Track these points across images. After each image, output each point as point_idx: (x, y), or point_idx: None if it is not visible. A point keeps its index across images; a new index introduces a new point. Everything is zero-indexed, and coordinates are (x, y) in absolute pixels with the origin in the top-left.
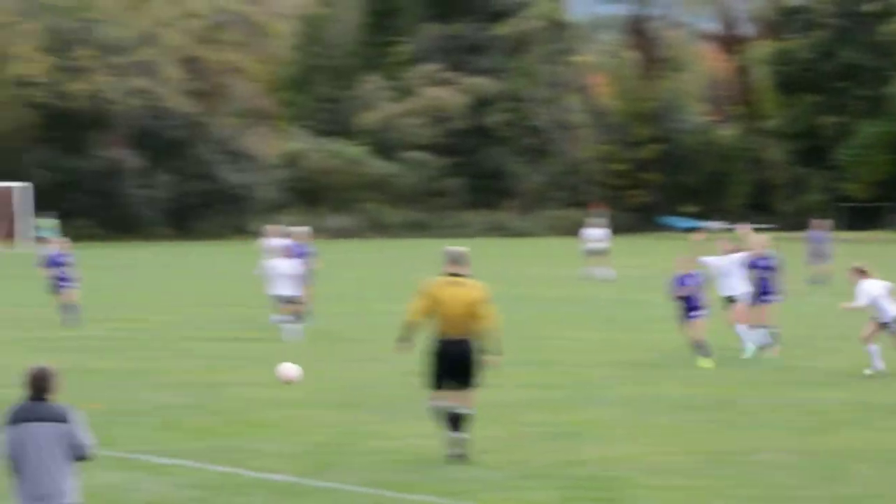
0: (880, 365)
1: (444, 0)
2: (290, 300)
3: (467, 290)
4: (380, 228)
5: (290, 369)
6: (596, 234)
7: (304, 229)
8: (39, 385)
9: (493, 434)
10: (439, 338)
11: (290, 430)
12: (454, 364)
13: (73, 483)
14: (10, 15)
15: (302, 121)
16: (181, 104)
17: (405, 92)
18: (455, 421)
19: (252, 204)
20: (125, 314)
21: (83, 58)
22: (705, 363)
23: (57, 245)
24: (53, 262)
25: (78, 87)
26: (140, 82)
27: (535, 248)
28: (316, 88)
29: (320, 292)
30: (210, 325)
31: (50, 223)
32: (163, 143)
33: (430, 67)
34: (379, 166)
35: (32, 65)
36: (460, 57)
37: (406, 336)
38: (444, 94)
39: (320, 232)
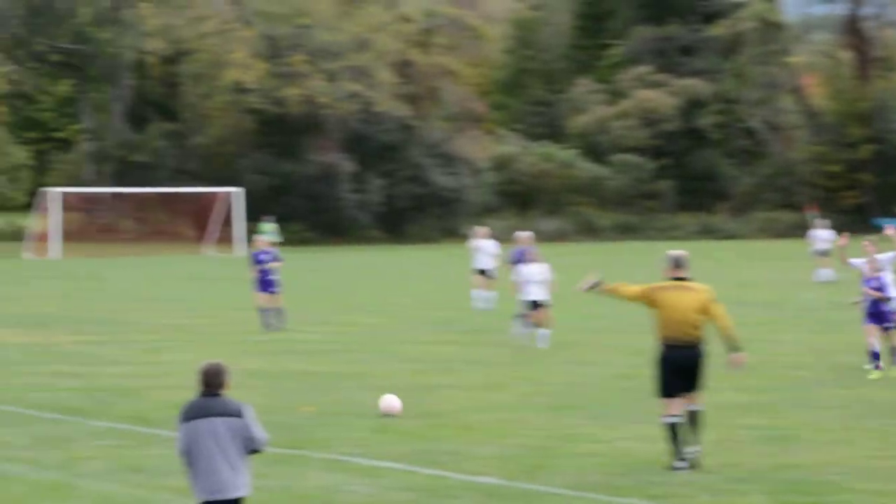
0: None
1: (657, 2)
2: (538, 305)
3: (694, 294)
4: (590, 231)
5: (392, 402)
6: (823, 235)
7: (528, 234)
8: (212, 381)
9: (706, 437)
10: (665, 343)
11: (499, 433)
12: (682, 369)
13: (246, 477)
14: (225, 22)
15: (513, 124)
16: (393, 108)
17: (616, 94)
18: (692, 420)
19: (463, 207)
20: (337, 318)
21: (297, 63)
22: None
23: (263, 244)
24: (256, 261)
25: (292, 92)
26: (353, 87)
27: (747, 251)
28: (527, 91)
29: None
30: (420, 328)
31: (271, 227)
32: (375, 146)
33: (641, 69)
34: (589, 169)
35: (248, 71)
36: (672, 59)
37: (604, 288)
38: (656, 96)
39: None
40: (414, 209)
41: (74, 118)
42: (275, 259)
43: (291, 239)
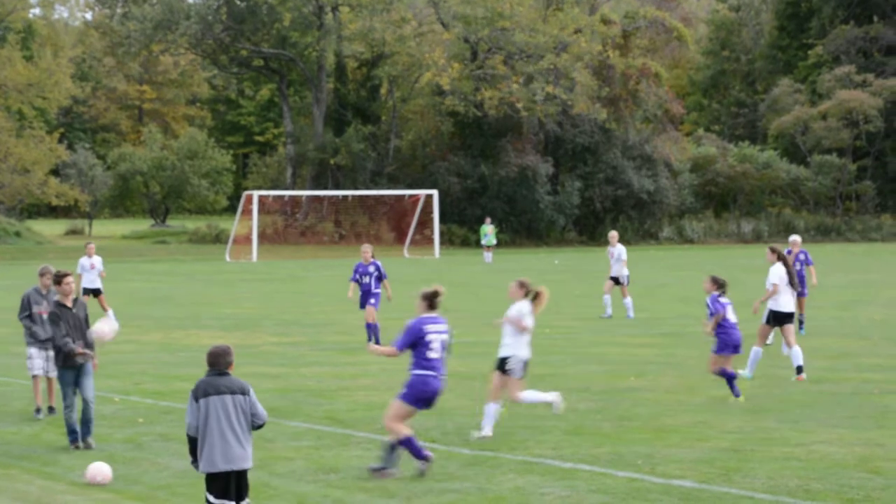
0: None
1: (860, 1)
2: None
3: None
4: (787, 232)
5: (98, 471)
6: None
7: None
8: (220, 361)
9: None
10: None
11: (695, 436)
12: None
13: (251, 449)
14: (424, 25)
15: (712, 125)
16: (591, 110)
17: (817, 95)
18: None
19: (660, 209)
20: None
21: (496, 66)
22: None
23: (367, 256)
24: (362, 272)
25: (490, 94)
26: (550, 89)
27: None
28: (726, 93)
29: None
30: (615, 330)
31: (488, 228)
32: (572, 149)
33: (843, 70)
34: (788, 170)
35: (445, 74)
36: (875, 59)
37: None
38: (858, 96)
39: (729, 237)
40: (611, 211)
41: (275, 122)
42: (379, 272)
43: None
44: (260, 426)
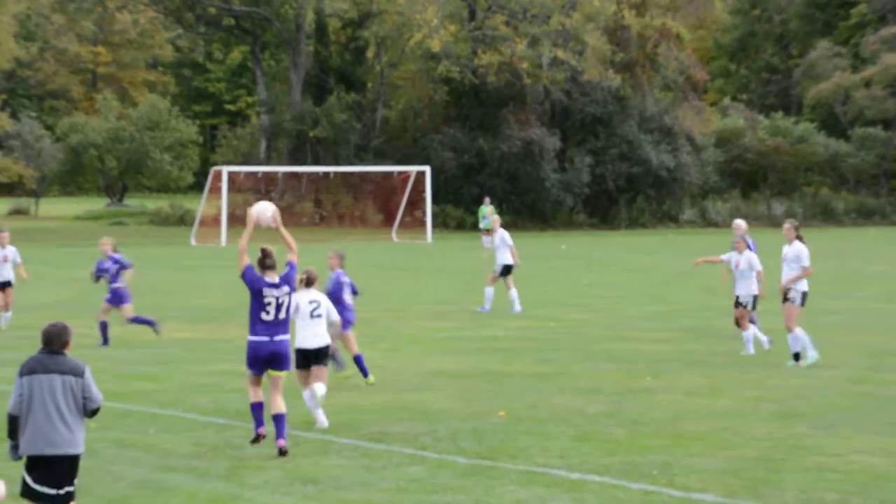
0: None
1: None
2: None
3: None
4: (825, 215)
5: None
6: None
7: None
8: (55, 340)
9: None
10: None
11: (719, 443)
12: None
13: (82, 434)
14: None
15: (739, 94)
16: (604, 77)
17: (860, 59)
18: None
19: (682, 188)
20: (535, 312)
21: (496, 26)
22: None
23: None
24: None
25: (490, 59)
26: (559, 53)
27: None
28: (756, 57)
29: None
30: (629, 323)
31: (487, 209)
32: (582, 120)
33: (890, 31)
34: (826, 144)
35: (439, 35)
36: None
37: None
38: None
39: (759, 219)
40: (625, 190)
41: (248, 89)
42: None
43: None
44: (95, 410)
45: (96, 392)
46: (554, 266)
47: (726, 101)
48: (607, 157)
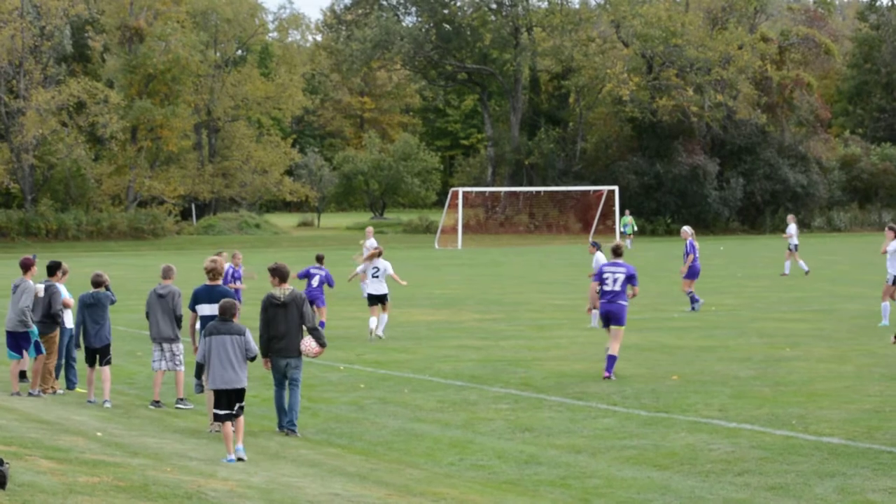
0: None
1: None
2: None
3: None
4: None
5: None
6: None
7: None
8: (227, 312)
9: None
10: None
11: (843, 399)
12: None
13: (245, 374)
14: (607, 43)
15: (856, 128)
16: (752, 116)
17: None
18: None
19: (813, 201)
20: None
21: (669, 77)
22: None
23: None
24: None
25: (664, 102)
26: (718, 97)
27: None
28: (869, 100)
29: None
30: (773, 307)
31: (629, 219)
32: (736, 149)
33: None
34: None
35: (625, 85)
36: None
37: None
38: None
39: (871, 225)
40: (769, 203)
41: (477, 128)
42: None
43: (659, 230)
44: (252, 358)
45: (253, 346)
46: (714, 263)
47: (846, 133)
48: (755, 178)
